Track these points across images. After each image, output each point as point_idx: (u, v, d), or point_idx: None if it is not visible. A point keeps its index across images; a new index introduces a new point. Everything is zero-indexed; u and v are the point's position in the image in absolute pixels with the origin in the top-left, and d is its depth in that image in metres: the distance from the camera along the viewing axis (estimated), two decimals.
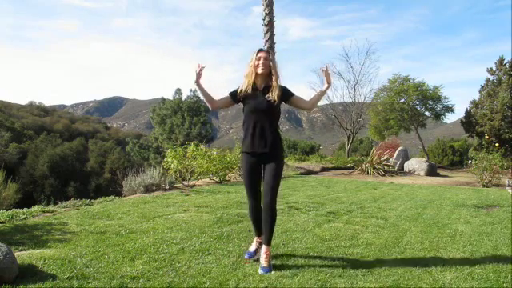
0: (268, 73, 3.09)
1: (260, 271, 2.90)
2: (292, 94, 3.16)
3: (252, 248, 3.25)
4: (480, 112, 18.20)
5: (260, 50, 3.10)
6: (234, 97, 3.15)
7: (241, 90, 3.12)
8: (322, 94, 3.23)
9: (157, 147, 27.60)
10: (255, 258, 3.16)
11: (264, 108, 3.04)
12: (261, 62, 3.05)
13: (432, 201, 6.78)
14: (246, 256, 3.19)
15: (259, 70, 3.06)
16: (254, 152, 3.07)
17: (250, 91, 3.08)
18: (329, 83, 3.13)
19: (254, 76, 3.08)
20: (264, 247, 3.06)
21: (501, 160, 10.70)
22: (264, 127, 3.05)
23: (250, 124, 3.07)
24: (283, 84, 3.17)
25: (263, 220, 3.08)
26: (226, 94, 3.19)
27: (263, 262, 2.99)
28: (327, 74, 3.11)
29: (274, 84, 3.06)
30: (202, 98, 3.22)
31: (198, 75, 3.06)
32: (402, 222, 4.82)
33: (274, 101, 3.03)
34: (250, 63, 3.10)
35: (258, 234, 3.23)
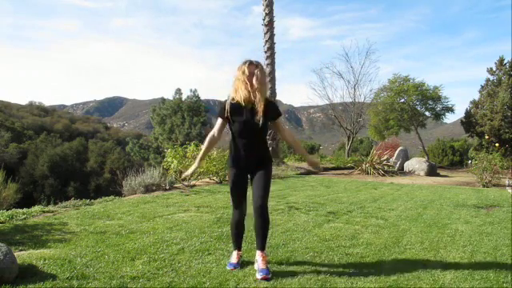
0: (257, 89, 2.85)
1: (259, 275, 2.75)
2: (279, 115, 2.99)
3: (234, 259, 3.04)
4: (480, 112, 18.20)
5: (250, 64, 2.86)
6: (224, 116, 2.93)
7: (227, 110, 2.89)
8: (299, 152, 3.31)
9: (157, 147, 27.60)
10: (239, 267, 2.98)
11: (251, 130, 2.88)
12: (253, 79, 2.82)
13: (432, 201, 6.78)
14: (231, 267, 2.95)
15: (248, 88, 2.82)
16: (242, 167, 2.99)
17: (237, 108, 2.88)
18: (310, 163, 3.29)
19: (242, 93, 2.84)
20: (259, 252, 2.90)
21: (501, 160, 10.70)
22: (252, 147, 2.93)
23: (238, 144, 2.94)
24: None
25: (256, 225, 2.92)
26: (218, 120, 2.99)
27: (261, 264, 2.82)
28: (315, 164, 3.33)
29: (260, 107, 2.82)
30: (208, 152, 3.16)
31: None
32: (402, 222, 4.82)
33: (262, 122, 2.85)
34: (238, 77, 2.86)
35: (239, 247, 3.12)
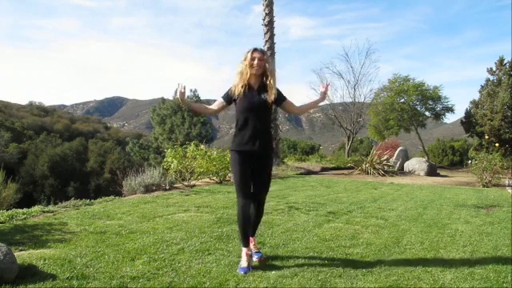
0: (262, 73, 3.07)
1: (254, 258, 3.05)
2: (284, 99, 3.16)
3: (245, 263, 2.92)
4: (480, 112, 18.21)
5: (255, 50, 3.05)
6: (227, 99, 3.12)
7: (234, 90, 3.06)
8: (315, 104, 3.41)
9: (157, 147, 27.56)
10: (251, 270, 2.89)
11: (259, 107, 3.02)
12: (255, 62, 3.00)
13: (432, 201, 6.78)
14: (242, 272, 2.84)
15: (253, 71, 3.02)
16: (246, 151, 3.03)
17: (244, 90, 3.03)
18: (323, 98, 3.28)
19: (248, 75, 3.03)
20: (251, 238, 3.13)
21: (501, 160, 10.70)
22: (257, 126, 3.02)
23: (244, 122, 3.03)
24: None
25: (253, 213, 3.09)
26: (219, 99, 3.17)
27: (254, 249, 3.10)
28: (325, 91, 3.24)
29: (270, 84, 3.04)
30: (196, 111, 3.31)
31: (182, 94, 3.04)
32: (402, 222, 4.82)
33: (270, 101, 3.02)
34: (243, 61, 3.05)
35: (247, 243, 3.03)
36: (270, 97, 3.02)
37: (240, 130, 3.05)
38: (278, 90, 3.11)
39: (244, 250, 3.01)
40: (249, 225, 3.07)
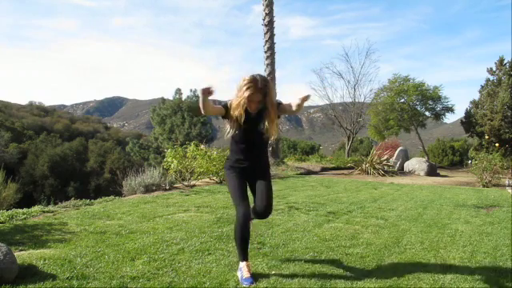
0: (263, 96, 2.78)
1: (245, 284, 2.70)
2: (279, 104, 2.88)
3: (247, 273, 2.68)
4: (480, 112, 18.20)
5: (254, 81, 2.72)
6: (225, 112, 2.85)
7: (231, 110, 2.79)
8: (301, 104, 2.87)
9: (157, 147, 27.55)
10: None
11: (255, 138, 2.87)
12: (253, 106, 2.77)
13: (432, 201, 6.78)
14: (247, 283, 2.60)
15: (251, 109, 2.79)
16: (241, 167, 2.90)
17: (240, 117, 2.78)
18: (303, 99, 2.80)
19: (245, 106, 2.77)
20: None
21: (501, 160, 10.70)
22: (253, 153, 2.89)
23: (239, 149, 2.89)
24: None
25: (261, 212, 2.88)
26: (222, 105, 2.88)
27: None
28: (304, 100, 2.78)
29: (270, 119, 2.80)
30: (200, 102, 2.74)
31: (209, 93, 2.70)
32: (402, 222, 4.82)
33: (266, 132, 2.83)
34: (239, 90, 2.76)
35: (245, 257, 2.77)
36: (270, 131, 2.82)
37: (235, 154, 2.92)
38: (276, 102, 2.88)
39: (243, 264, 2.74)
40: (247, 239, 2.82)
